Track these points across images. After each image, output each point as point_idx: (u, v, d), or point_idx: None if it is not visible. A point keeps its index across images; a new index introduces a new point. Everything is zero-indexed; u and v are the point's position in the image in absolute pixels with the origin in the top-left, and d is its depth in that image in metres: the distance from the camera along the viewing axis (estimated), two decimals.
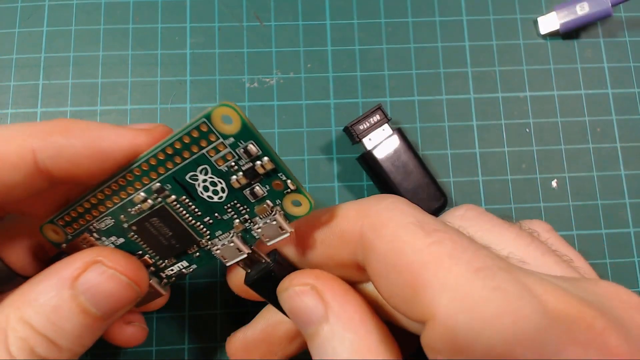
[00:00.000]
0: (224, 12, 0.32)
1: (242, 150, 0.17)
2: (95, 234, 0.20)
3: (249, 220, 0.19)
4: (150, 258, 0.20)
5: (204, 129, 0.16)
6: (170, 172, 0.18)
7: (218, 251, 0.19)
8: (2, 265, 0.20)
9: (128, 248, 0.20)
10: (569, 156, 0.31)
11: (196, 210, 0.19)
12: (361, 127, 0.28)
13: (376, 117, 0.28)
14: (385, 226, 0.16)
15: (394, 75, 0.31)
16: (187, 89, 0.30)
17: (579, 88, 0.31)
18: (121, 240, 0.20)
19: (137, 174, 0.18)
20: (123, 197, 0.18)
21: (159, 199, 0.18)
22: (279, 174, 0.17)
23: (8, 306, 0.17)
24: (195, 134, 0.16)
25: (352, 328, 0.17)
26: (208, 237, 0.19)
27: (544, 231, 0.20)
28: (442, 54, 0.32)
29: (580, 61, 0.32)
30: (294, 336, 0.21)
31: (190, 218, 0.19)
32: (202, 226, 0.19)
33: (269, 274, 0.19)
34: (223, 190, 0.18)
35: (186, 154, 0.17)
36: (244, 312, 0.28)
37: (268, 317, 0.22)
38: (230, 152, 0.17)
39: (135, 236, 0.20)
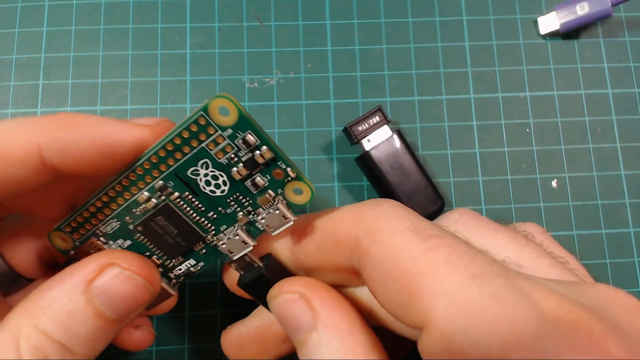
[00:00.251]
0: (224, 12, 0.32)
1: (240, 141, 0.17)
2: (102, 238, 0.20)
3: (253, 212, 0.19)
4: (158, 259, 0.20)
5: (202, 122, 0.16)
6: (171, 168, 0.18)
7: (224, 245, 0.19)
8: (6, 268, 0.20)
9: (135, 250, 0.20)
10: (569, 156, 0.31)
11: (200, 205, 0.19)
12: (360, 128, 0.28)
13: (376, 119, 0.28)
14: (381, 232, 0.16)
15: (394, 75, 0.31)
16: (187, 89, 0.30)
17: (579, 88, 0.31)
18: (128, 242, 0.20)
19: (140, 173, 0.18)
20: (127, 197, 0.18)
21: (163, 197, 0.18)
22: (278, 163, 0.17)
23: (19, 314, 0.17)
24: (194, 128, 0.17)
25: (340, 336, 0.17)
26: (213, 232, 0.19)
27: (538, 233, 0.20)
28: (442, 54, 0.32)
29: (580, 61, 0.32)
30: (287, 337, 0.21)
31: (195, 214, 0.19)
32: (206, 222, 0.19)
33: (261, 278, 0.19)
34: (225, 184, 0.18)
35: (186, 149, 0.17)
36: (244, 312, 0.28)
37: (262, 316, 0.22)
38: (229, 144, 0.17)
39: (142, 237, 0.20)
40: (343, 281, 0.19)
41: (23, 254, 0.20)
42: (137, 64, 0.31)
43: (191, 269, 0.21)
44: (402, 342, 0.18)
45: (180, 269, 0.21)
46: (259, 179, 0.18)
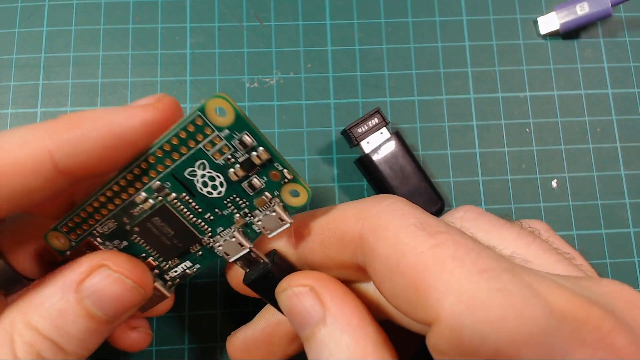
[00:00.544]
0: (224, 12, 0.32)
1: (237, 141, 0.17)
2: (98, 239, 0.20)
3: (249, 214, 0.19)
4: (153, 260, 0.20)
5: (199, 122, 0.16)
6: (169, 169, 0.18)
7: (220, 247, 0.19)
8: (7, 268, 0.20)
9: (132, 251, 0.20)
10: (569, 156, 0.31)
11: (196, 207, 0.19)
12: (359, 130, 0.28)
13: (374, 120, 0.28)
14: (386, 228, 0.16)
15: (394, 75, 0.31)
16: (187, 89, 0.30)
17: (579, 88, 0.31)
18: (124, 243, 0.20)
19: (137, 173, 0.18)
20: (124, 198, 0.18)
21: (160, 198, 0.18)
22: (275, 164, 0.17)
23: (14, 311, 0.17)
24: (191, 129, 0.17)
25: (350, 331, 0.16)
26: (210, 234, 0.19)
27: (544, 231, 0.20)
28: (442, 54, 0.32)
29: (580, 61, 0.32)
30: (294, 337, 0.21)
31: (191, 215, 0.19)
32: (203, 223, 0.19)
33: (267, 274, 0.19)
34: (222, 185, 0.18)
35: (183, 150, 0.17)
36: (244, 312, 0.28)
37: (268, 317, 0.22)
38: (226, 145, 0.17)
39: (138, 238, 0.20)
40: (348, 277, 0.19)
41: (24, 254, 0.20)
42: (137, 64, 0.31)
43: (187, 270, 0.21)
44: (411, 338, 0.18)
45: (176, 271, 0.21)
46: (255, 181, 0.18)
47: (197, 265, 0.21)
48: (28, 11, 0.31)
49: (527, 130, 0.31)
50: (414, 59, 0.31)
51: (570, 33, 0.32)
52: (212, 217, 0.19)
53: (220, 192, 0.18)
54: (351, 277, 0.18)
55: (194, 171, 0.18)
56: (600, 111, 0.31)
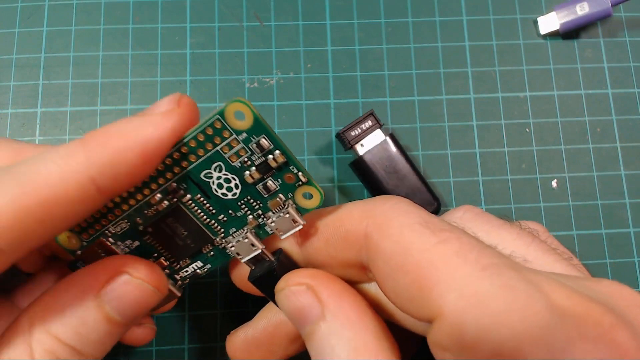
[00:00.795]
0: (224, 12, 0.32)
1: (254, 145, 0.17)
2: (110, 239, 0.20)
3: (262, 216, 0.19)
4: (165, 260, 0.20)
5: (218, 125, 0.17)
6: (185, 171, 0.18)
7: (233, 248, 0.19)
8: None
9: (143, 251, 0.20)
10: (569, 156, 0.31)
11: (211, 208, 0.19)
12: (353, 134, 0.28)
13: (368, 123, 0.28)
14: (390, 226, 0.16)
15: (394, 75, 0.31)
16: (187, 89, 0.30)
17: (579, 88, 0.32)
18: (136, 243, 0.20)
19: (154, 175, 0.18)
20: (139, 199, 0.18)
21: (175, 199, 0.19)
22: (290, 167, 0.18)
23: (31, 317, 0.17)
24: (209, 132, 0.17)
25: (349, 325, 0.17)
26: (222, 235, 0.20)
27: (541, 232, 0.20)
28: (442, 54, 0.32)
29: (580, 61, 0.32)
30: (296, 337, 0.21)
31: (205, 217, 0.19)
32: (216, 224, 0.19)
33: (272, 272, 0.19)
34: (237, 187, 0.18)
35: (201, 152, 0.17)
36: (244, 312, 0.28)
37: (270, 316, 0.22)
38: (243, 148, 0.17)
39: (151, 239, 0.20)
40: (352, 277, 0.19)
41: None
42: (137, 64, 0.31)
43: (197, 271, 0.21)
44: (410, 339, 0.18)
45: (186, 271, 0.21)
46: (270, 183, 0.18)
47: (208, 266, 0.21)
48: (28, 11, 0.31)
49: (527, 130, 0.31)
50: (414, 59, 0.31)
51: (570, 33, 0.32)
52: (225, 218, 0.19)
53: (235, 194, 0.18)
54: (354, 277, 0.19)
55: (210, 173, 0.18)
56: (600, 111, 0.31)
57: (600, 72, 0.32)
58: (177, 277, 0.21)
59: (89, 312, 0.17)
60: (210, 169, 0.18)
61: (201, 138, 0.17)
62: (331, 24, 0.32)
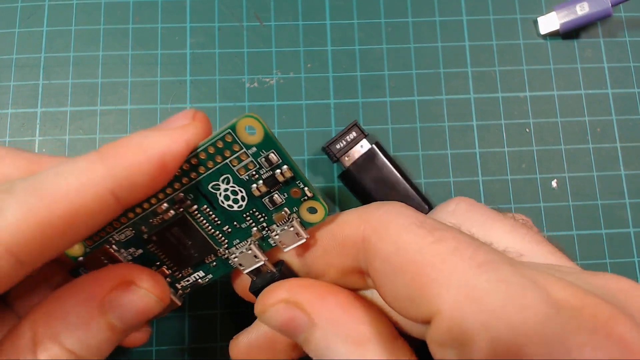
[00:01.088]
0: (224, 12, 0.32)
1: (263, 159, 0.17)
2: (114, 246, 0.20)
3: (267, 228, 0.19)
4: (167, 269, 0.20)
5: (229, 139, 0.17)
6: (193, 182, 0.18)
7: (236, 259, 0.20)
8: None
9: (146, 259, 0.20)
10: (569, 156, 0.31)
11: (216, 219, 0.19)
12: (338, 146, 0.28)
13: (353, 134, 0.28)
14: (387, 229, 0.16)
15: (394, 75, 0.31)
16: (187, 89, 0.30)
17: (579, 88, 0.31)
18: (140, 251, 0.20)
19: None
20: (146, 207, 0.18)
21: (181, 209, 0.19)
22: (297, 182, 0.18)
23: (34, 323, 0.17)
24: (220, 144, 0.17)
25: (340, 322, 0.17)
26: (226, 245, 0.20)
27: (530, 225, 0.21)
28: (442, 54, 0.32)
29: (580, 61, 0.32)
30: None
31: (210, 227, 0.19)
32: (220, 235, 0.20)
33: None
34: (243, 199, 0.18)
35: (210, 164, 0.18)
36: (244, 312, 0.28)
37: None
38: (252, 161, 0.17)
39: (155, 247, 0.20)
40: (351, 284, 0.19)
41: None
42: (137, 64, 0.31)
43: (199, 280, 0.21)
44: (409, 342, 0.18)
45: (188, 280, 0.21)
46: (276, 197, 0.18)
47: (210, 276, 0.21)
48: (28, 11, 0.31)
49: (527, 130, 0.31)
50: (414, 59, 0.31)
51: (570, 33, 0.32)
52: (230, 230, 0.19)
53: (240, 206, 0.19)
54: (354, 284, 0.19)
55: (218, 185, 0.18)
56: (600, 111, 0.31)
57: (600, 72, 0.32)
58: (179, 286, 0.21)
59: (93, 320, 0.17)
60: (218, 181, 0.18)
61: (211, 150, 0.17)
62: (331, 24, 0.32)
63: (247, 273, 0.20)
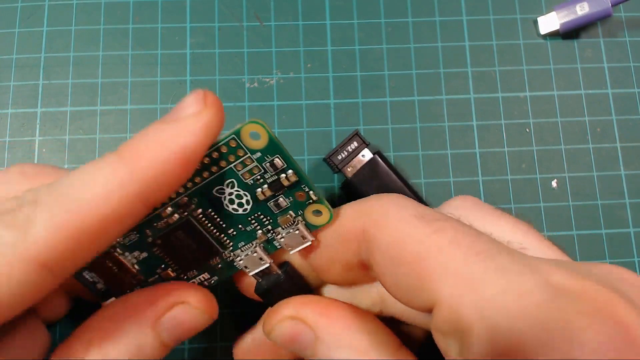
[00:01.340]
0: (224, 12, 0.32)
1: (268, 164, 0.17)
2: (118, 249, 0.20)
3: (272, 231, 0.19)
4: (172, 271, 0.20)
5: (233, 144, 0.17)
6: (198, 186, 0.18)
7: (241, 262, 0.20)
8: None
9: (151, 262, 0.20)
10: (569, 156, 0.31)
11: (221, 222, 0.19)
12: (340, 157, 0.28)
13: (354, 144, 0.28)
14: (386, 221, 0.16)
15: (394, 75, 0.31)
16: (187, 89, 0.30)
17: (579, 88, 0.31)
18: (144, 254, 0.20)
19: None
20: (150, 211, 0.18)
21: (186, 213, 0.19)
22: (302, 186, 0.18)
23: (88, 341, 0.17)
24: (224, 150, 0.17)
25: (345, 335, 0.17)
26: (231, 248, 0.20)
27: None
28: (442, 54, 0.32)
29: (580, 61, 0.32)
30: None
31: (215, 230, 0.19)
32: (225, 238, 0.20)
33: (279, 285, 0.20)
34: (248, 203, 0.18)
35: (214, 169, 0.18)
36: (244, 313, 0.28)
37: None
38: (257, 166, 0.18)
39: (159, 250, 0.20)
40: (354, 279, 0.19)
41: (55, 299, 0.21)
42: (137, 64, 0.31)
43: (204, 282, 0.21)
44: (411, 338, 0.18)
45: (193, 282, 0.21)
46: (282, 200, 0.18)
47: (215, 277, 0.21)
48: (28, 11, 0.31)
49: (527, 130, 0.31)
50: (414, 59, 0.31)
51: (570, 33, 0.32)
52: (234, 232, 0.19)
53: (245, 210, 0.19)
54: (357, 278, 0.19)
55: (222, 189, 0.18)
56: (600, 111, 0.31)
57: (600, 72, 0.32)
58: None
59: (146, 340, 0.18)
60: (222, 185, 0.18)
61: (215, 155, 0.17)
62: (331, 24, 0.32)
63: (252, 275, 0.20)
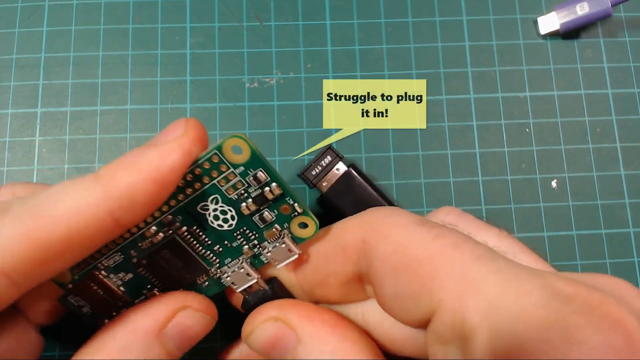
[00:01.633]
0: (224, 12, 0.32)
1: (251, 177, 0.17)
2: (103, 272, 0.19)
3: (258, 246, 0.19)
4: (158, 291, 0.20)
5: (215, 160, 0.17)
6: (182, 204, 0.18)
7: (228, 278, 0.20)
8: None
9: (136, 283, 0.20)
10: (569, 156, 0.31)
11: (206, 239, 0.19)
12: (314, 173, 0.28)
13: (328, 159, 0.28)
14: (388, 229, 0.16)
15: (394, 75, 0.31)
16: (187, 89, 0.30)
17: (579, 88, 0.31)
18: (130, 275, 0.19)
19: None
20: (134, 231, 0.18)
21: (170, 231, 0.18)
22: (286, 199, 0.18)
23: (91, 356, 0.17)
24: (206, 166, 0.17)
25: (327, 340, 0.17)
26: (217, 265, 0.20)
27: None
28: (442, 54, 0.32)
29: (580, 61, 0.32)
30: None
31: (201, 248, 0.19)
32: (211, 255, 0.19)
33: (266, 301, 0.19)
34: (233, 218, 0.18)
35: (197, 185, 0.17)
36: (243, 313, 0.28)
37: None
38: (240, 181, 0.17)
39: (145, 271, 0.19)
40: (347, 295, 0.19)
41: (41, 306, 0.20)
42: (137, 64, 0.31)
43: None
44: None
45: None
46: (266, 214, 0.18)
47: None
48: (28, 11, 0.31)
49: (527, 130, 0.31)
50: (414, 59, 0.31)
51: (570, 33, 0.32)
52: (220, 249, 0.19)
53: (230, 225, 0.18)
54: (353, 294, 0.19)
55: (207, 205, 0.18)
56: (600, 111, 0.31)
57: (600, 72, 0.32)
58: None
59: (153, 352, 0.18)
60: (206, 201, 0.18)
61: (198, 172, 0.17)
62: (331, 24, 0.32)
63: (240, 291, 0.20)
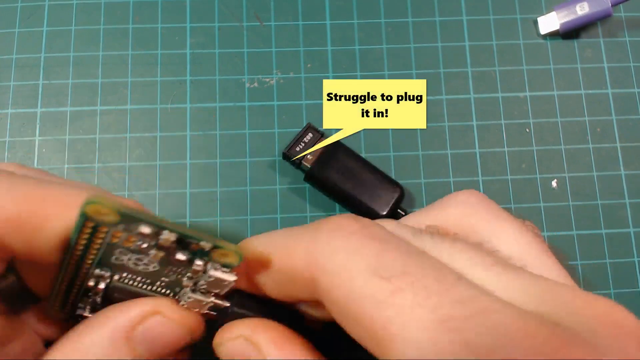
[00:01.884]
0: (224, 12, 0.32)
1: (137, 232, 0.15)
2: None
3: (192, 278, 0.18)
4: None
5: (91, 224, 0.15)
6: (95, 261, 0.17)
7: (185, 305, 0.19)
8: (18, 284, 0.20)
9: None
10: (569, 156, 0.31)
11: (143, 279, 0.18)
12: (297, 149, 0.28)
13: (309, 136, 0.28)
14: (339, 275, 0.15)
15: (394, 75, 0.31)
16: (187, 89, 0.30)
17: (579, 88, 0.31)
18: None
19: (72, 267, 0.17)
20: (79, 285, 0.18)
21: (108, 281, 0.18)
22: (187, 240, 0.16)
23: (59, 354, 0.17)
24: (87, 231, 0.15)
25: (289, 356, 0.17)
26: (172, 295, 0.19)
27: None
28: (442, 54, 0.32)
29: (580, 61, 0.32)
30: None
31: (145, 286, 0.18)
32: (159, 289, 0.19)
33: (232, 317, 0.19)
34: (151, 262, 0.17)
35: (96, 245, 0.16)
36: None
37: None
38: (128, 236, 0.16)
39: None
40: (311, 311, 0.18)
41: (39, 271, 0.20)
42: (137, 64, 0.31)
43: None
44: None
45: None
46: (179, 255, 0.17)
47: None
48: (28, 11, 0.31)
49: (527, 130, 0.31)
50: (414, 59, 0.31)
51: (570, 33, 0.32)
52: (163, 284, 0.18)
53: (155, 267, 0.17)
54: (313, 311, 0.18)
55: (119, 257, 0.17)
56: (600, 111, 0.31)
57: (600, 72, 0.32)
58: None
59: (119, 353, 0.17)
60: (115, 254, 0.17)
61: (85, 237, 0.16)
62: (331, 24, 0.32)
63: (204, 314, 0.19)
